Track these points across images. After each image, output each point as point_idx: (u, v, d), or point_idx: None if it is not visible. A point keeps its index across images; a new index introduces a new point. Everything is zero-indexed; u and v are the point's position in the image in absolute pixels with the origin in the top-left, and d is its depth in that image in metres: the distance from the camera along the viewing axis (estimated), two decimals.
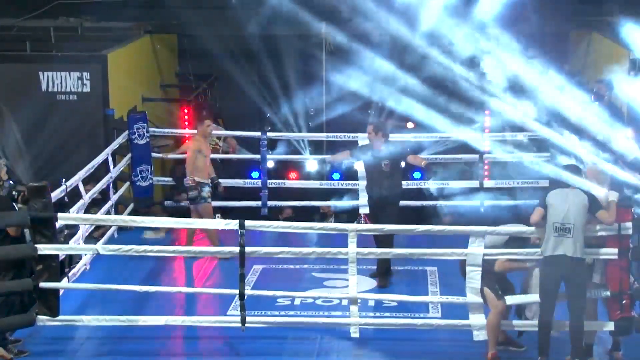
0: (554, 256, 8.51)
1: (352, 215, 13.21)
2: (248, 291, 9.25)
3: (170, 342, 9.33)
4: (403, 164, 11.13)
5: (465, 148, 13.48)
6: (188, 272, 11.26)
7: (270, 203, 13.17)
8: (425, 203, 13.05)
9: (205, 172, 11.86)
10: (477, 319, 8.94)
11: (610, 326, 8.82)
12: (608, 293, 8.74)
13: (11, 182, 9.43)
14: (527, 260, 8.81)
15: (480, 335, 8.91)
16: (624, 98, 12.74)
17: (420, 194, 13.33)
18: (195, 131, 12.57)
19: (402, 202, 11.65)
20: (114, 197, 12.41)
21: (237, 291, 8.98)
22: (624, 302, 8.67)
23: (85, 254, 10.89)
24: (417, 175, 13.59)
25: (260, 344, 9.18)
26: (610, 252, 8.72)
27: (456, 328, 9.10)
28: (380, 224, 10.12)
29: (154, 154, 13.34)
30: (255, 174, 13.43)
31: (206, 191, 11.78)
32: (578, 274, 8.54)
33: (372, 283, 10.67)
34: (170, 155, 13.64)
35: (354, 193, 13.14)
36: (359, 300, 9.23)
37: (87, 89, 13.40)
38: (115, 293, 9.70)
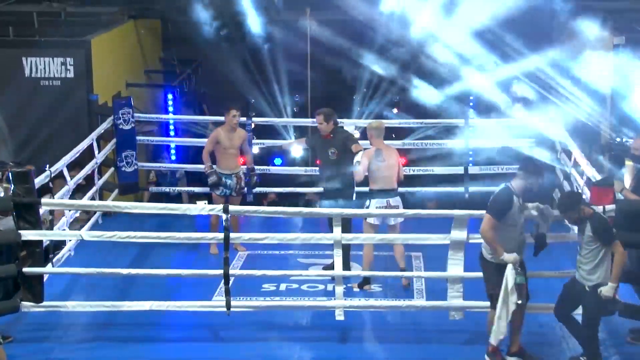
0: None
1: None
2: (233, 271, 9.24)
3: (155, 327, 9.29)
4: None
5: (449, 133, 13.53)
6: (173, 258, 11.22)
7: (255, 189, 13.11)
8: (409, 189, 13.01)
9: (224, 163, 11.55)
10: (455, 302, 9.03)
11: None
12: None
13: None
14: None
15: (456, 316, 9.04)
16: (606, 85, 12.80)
17: None
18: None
19: None
20: (98, 183, 12.35)
21: (221, 271, 8.95)
22: None
23: (70, 240, 10.86)
24: None
25: (245, 330, 9.18)
26: None
27: (441, 309, 9.14)
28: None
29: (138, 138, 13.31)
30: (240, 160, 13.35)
31: (210, 181, 11.52)
32: None
33: (358, 268, 10.67)
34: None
35: None
36: (344, 287, 9.27)
37: (70, 75, 13.32)
38: (99, 279, 9.68)
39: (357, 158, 10.18)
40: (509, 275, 8.18)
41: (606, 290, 8.03)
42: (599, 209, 8.62)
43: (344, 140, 10.61)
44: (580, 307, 8.31)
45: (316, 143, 10.99)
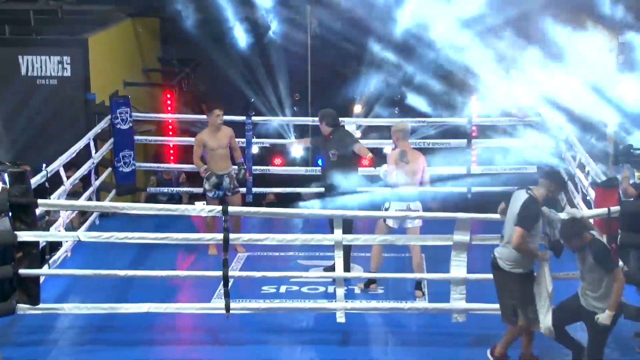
0: None
1: None
2: (232, 272, 9.21)
3: (153, 330, 9.25)
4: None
5: (452, 133, 13.49)
6: (171, 260, 11.18)
7: (254, 190, 13.08)
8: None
9: (214, 165, 11.41)
10: (457, 304, 9.00)
11: None
12: None
13: None
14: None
15: (459, 318, 9.02)
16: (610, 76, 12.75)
17: None
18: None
19: None
20: (95, 183, 12.32)
21: (220, 273, 8.90)
22: None
23: (66, 241, 10.82)
24: None
25: (244, 333, 9.14)
26: None
27: (443, 311, 9.12)
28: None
29: (136, 138, 13.26)
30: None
31: (209, 184, 11.43)
32: None
33: (360, 269, 10.63)
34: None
35: None
36: (345, 289, 9.23)
37: (67, 74, 13.29)
38: (96, 281, 9.64)
39: (383, 168, 10.11)
40: (547, 275, 8.15)
41: (603, 318, 7.92)
42: (604, 210, 8.60)
43: (343, 141, 10.56)
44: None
45: (318, 143, 10.96)
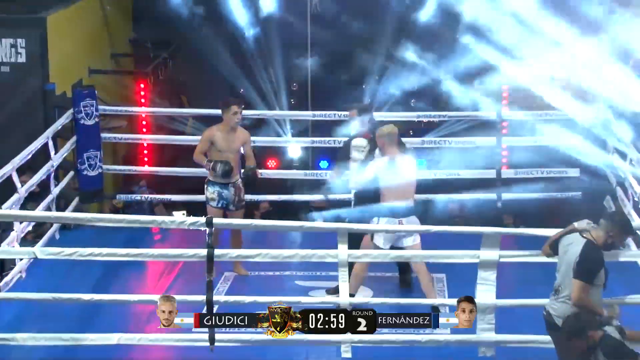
0: None
1: None
2: (217, 297, 9.19)
3: None
4: None
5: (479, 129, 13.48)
6: (145, 281, 11.18)
7: (246, 197, 13.04)
8: (432, 196, 12.92)
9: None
10: (485, 335, 8.95)
11: None
12: None
13: None
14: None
15: (487, 352, 8.99)
16: None
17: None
18: None
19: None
20: (55, 190, 12.32)
21: (203, 297, 8.89)
22: None
23: (21, 259, 10.80)
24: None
25: None
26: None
27: (468, 344, 9.07)
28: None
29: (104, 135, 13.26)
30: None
31: (211, 191, 11.22)
32: None
33: (369, 293, 10.60)
34: None
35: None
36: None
37: (22, 59, 13.34)
38: (56, 306, 9.63)
39: (356, 155, 10.21)
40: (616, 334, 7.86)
41: None
42: None
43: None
44: None
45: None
